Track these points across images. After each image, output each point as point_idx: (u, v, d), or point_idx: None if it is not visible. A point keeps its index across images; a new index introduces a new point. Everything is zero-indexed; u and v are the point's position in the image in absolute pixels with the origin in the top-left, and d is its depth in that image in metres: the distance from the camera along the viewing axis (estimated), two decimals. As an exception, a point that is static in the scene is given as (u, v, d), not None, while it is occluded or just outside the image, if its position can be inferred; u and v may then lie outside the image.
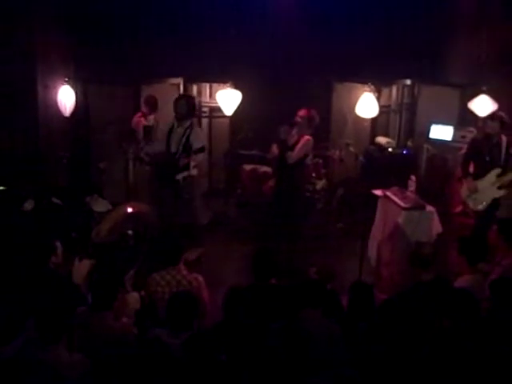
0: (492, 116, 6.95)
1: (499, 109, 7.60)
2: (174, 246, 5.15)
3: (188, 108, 7.10)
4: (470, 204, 6.83)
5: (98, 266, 5.30)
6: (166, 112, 8.22)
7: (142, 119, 8.37)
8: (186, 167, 6.96)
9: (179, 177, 6.97)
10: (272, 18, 8.96)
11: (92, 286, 4.52)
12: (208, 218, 8.41)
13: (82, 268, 5.36)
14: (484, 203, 6.73)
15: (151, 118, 8.45)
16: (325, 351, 3.99)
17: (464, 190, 6.86)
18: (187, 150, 6.94)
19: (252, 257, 5.03)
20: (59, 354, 3.69)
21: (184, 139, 6.97)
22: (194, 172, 7.07)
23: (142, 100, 8.51)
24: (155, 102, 8.46)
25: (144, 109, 8.45)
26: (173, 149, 7.04)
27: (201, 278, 5.03)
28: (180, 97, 7.51)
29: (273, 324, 4.25)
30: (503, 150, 6.72)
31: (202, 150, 7.02)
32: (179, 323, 4.07)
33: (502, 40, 8.27)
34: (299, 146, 7.00)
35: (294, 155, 6.94)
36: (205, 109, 9.57)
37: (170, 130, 7.14)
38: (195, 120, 7.48)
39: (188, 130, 7.01)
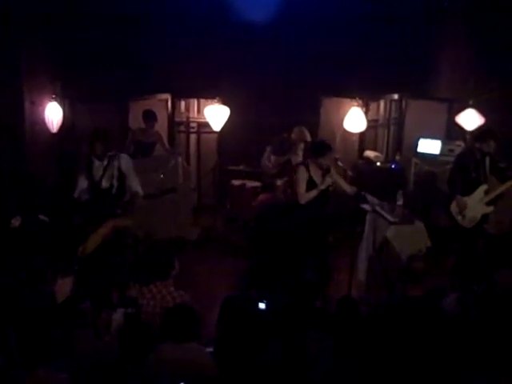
0: (494, 136, 6.73)
1: (486, 123, 7.64)
2: (165, 260, 5.11)
3: (106, 148, 6.18)
4: (459, 220, 6.81)
5: (78, 282, 5.23)
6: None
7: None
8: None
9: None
10: (259, 33, 9.00)
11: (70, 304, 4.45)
12: (197, 234, 8.38)
13: (64, 286, 5.28)
14: (473, 219, 6.73)
15: (152, 132, 8.33)
16: (320, 368, 3.95)
17: (453, 207, 6.84)
18: (122, 182, 6.24)
19: (244, 271, 4.98)
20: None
21: (116, 172, 6.19)
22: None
23: (141, 115, 8.26)
24: (154, 114, 8.26)
25: (142, 124, 8.27)
26: (104, 184, 6.21)
27: (187, 297, 4.98)
28: (96, 137, 6.19)
29: (268, 340, 4.21)
30: (487, 166, 6.72)
31: (173, 190, 6.52)
32: (180, 335, 4.13)
33: (488, 54, 8.33)
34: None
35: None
36: (193, 124, 9.58)
37: (90, 166, 6.22)
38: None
39: (116, 162, 6.19)
